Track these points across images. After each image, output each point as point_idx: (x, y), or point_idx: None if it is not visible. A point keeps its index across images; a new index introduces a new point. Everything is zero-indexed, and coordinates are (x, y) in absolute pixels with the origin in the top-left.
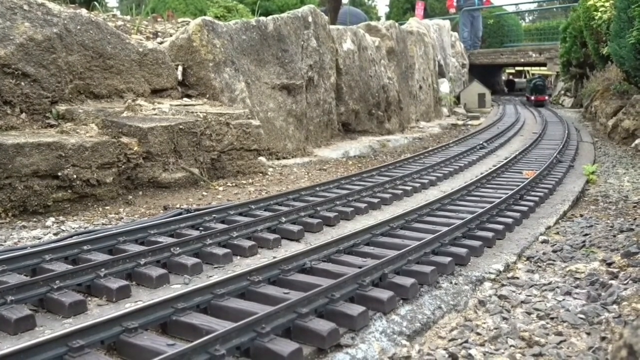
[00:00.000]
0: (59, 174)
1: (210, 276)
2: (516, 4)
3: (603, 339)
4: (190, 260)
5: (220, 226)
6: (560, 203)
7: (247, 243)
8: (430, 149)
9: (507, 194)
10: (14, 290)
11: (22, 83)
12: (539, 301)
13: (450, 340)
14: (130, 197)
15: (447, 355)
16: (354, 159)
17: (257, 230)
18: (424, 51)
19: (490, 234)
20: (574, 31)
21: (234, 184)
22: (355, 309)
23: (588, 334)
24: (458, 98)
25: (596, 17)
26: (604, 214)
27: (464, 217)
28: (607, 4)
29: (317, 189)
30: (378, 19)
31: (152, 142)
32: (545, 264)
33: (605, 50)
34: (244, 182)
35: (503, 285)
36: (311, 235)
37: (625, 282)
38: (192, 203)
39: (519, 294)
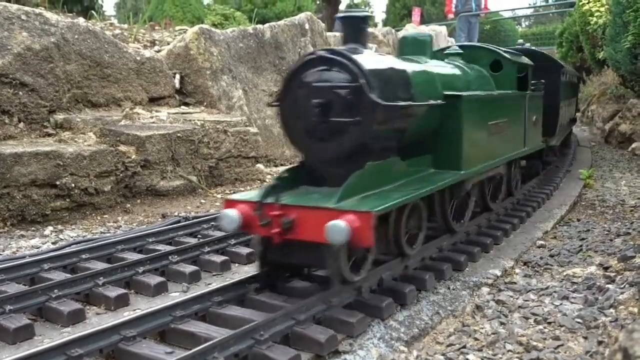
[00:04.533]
0: (57, 182)
1: (209, 284)
2: (512, 9)
3: (600, 343)
4: (189, 268)
5: (219, 234)
6: (558, 207)
7: (245, 250)
8: None
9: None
10: (13, 299)
11: (20, 92)
12: (537, 306)
13: (448, 346)
14: (129, 205)
15: None
16: None
17: None
18: None
19: (487, 239)
20: (570, 36)
21: (232, 191)
22: (353, 316)
23: (585, 338)
24: None
25: (592, 22)
26: (601, 218)
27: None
28: (602, 9)
29: None
30: (375, 25)
31: (150, 150)
32: (542, 268)
33: (601, 54)
34: (242, 189)
35: (500, 290)
36: None
37: (622, 286)
38: (190, 211)
39: (517, 298)
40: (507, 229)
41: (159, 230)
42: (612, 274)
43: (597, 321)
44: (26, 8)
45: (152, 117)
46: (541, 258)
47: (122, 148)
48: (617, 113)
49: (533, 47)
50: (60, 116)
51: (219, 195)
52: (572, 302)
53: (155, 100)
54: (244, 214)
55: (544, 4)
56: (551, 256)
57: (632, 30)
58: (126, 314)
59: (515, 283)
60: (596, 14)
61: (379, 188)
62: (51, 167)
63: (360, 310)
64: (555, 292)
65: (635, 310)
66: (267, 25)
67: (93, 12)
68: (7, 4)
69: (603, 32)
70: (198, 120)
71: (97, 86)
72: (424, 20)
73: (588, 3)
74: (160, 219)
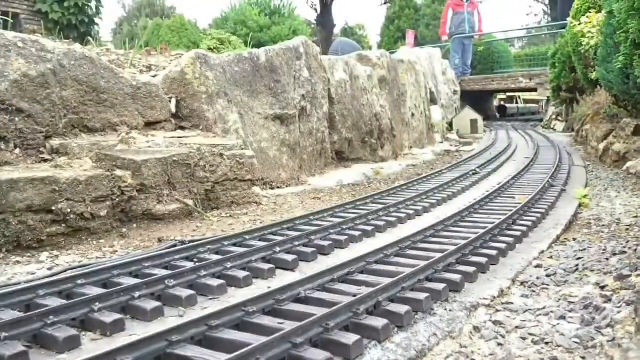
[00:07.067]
0: (53, 208)
1: (205, 308)
2: (505, 31)
3: None
4: (185, 292)
5: (215, 257)
6: (553, 227)
7: (242, 274)
8: (423, 175)
9: (500, 219)
10: (8, 326)
11: (16, 119)
12: (534, 326)
13: None
14: (125, 230)
15: None
16: (348, 187)
17: (252, 260)
18: (416, 79)
19: (484, 260)
20: (563, 57)
21: (228, 215)
22: (350, 338)
23: (583, 358)
24: (450, 124)
25: (584, 43)
26: (596, 237)
27: (457, 244)
28: (593, 30)
29: (312, 217)
30: (370, 48)
31: (146, 174)
32: (539, 288)
33: (593, 75)
34: (239, 212)
35: (497, 310)
36: (306, 265)
37: (619, 305)
38: (186, 234)
39: (514, 319)
40: (503, 249)
41: (155, 254)
42: (609, 293)
43: (594, 341)
44: (23, 35)
45: (148, 142)
46: (538, 278)
47: (119, 173)
48: (611, 132)
49: None
50: (56, 142)
51: (215, 219)
52: (569, 322)
53: (151, 125)
54: None
55: (536, 25)
56: (548, 276)
57: (623, 51)
58: (122, 340)
59: (512, 303)
60: (588, 35)
61: None
62: (47, 193)
63: (357, 332)
64: (552, 312)
65: (632, 329)
66: (262, 49)
67: (90, 38)
68: (4, 32)
69: (595, 52)
70: (194, 144)
71: (94, 111)
72: (418, 43)
73: (580, 24)
74: (156, 244)
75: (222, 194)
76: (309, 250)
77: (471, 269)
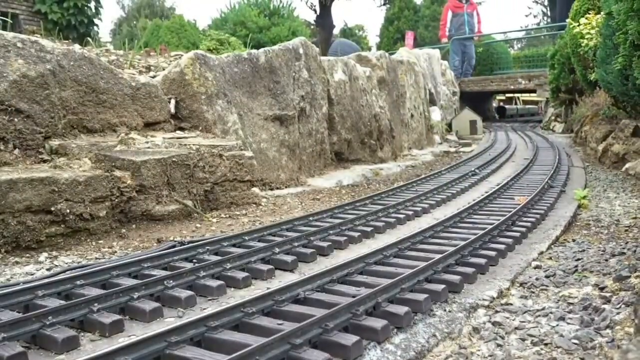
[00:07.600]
0: (52, 208)
1: (204, 308)
2: (504, 32)
3: None
4: (184, 293)
5: (214, 258)
6: (553, 228)
7: (241, 274)
8: (423, 176)
9: (499, 220)
10: (7, 327)
11: (16, 119)
12: (533, 327)
13: None
14: (124, 230)
15: None
16: (347, 188)
17: (251, 261)
18: (415, 80)
19: (483, 261)
20: (562, 58)
21: (227, 215)
22: (349, 339)
23: (582, 359)
24: (450, 125)
25: (583, 44)
26: (595, 238)
27: (456, 244)
28: (592, 32)
29: (311, 218)
30: (369, 49)
31: (145, 175)
32: (538, 289)
33: (592, 76)
34: (238, 213)
35: (497, 311)
36: (305, 265)
37: (618, 306)
38: (185, 235)
39: (513, 320)
40: (502, 250)
41: (154, 255)
42: (608, 294)
43: (593, 342)
44: (22, 36)
45: (147, 142)
46: (537, 279)
47: (118, 173)
48: (610, 133)
49: None
50: (55, 142)
51: (214, 220)
52: (568, 323)
53: (150, 125)
54: None
55: (535, 26)
56: (547, 277)
57: (622, 52)
58: (121, 340)
59: (511, 304)
60: (587, 36)
61: None
62: (46, 193)
63: (356, 333)
64: (551, 313)
65: (632, 330)
66: (261, 50)
67: (89, 38)
68: (3, 32)
69: (594, 54)
70: (193, 144)
71: (93, 112)
72: (417, 44)
73: (579, 26)
74: (155, 244)
75: (221, 194)
76: (308, 251)
77: (470, 270)
